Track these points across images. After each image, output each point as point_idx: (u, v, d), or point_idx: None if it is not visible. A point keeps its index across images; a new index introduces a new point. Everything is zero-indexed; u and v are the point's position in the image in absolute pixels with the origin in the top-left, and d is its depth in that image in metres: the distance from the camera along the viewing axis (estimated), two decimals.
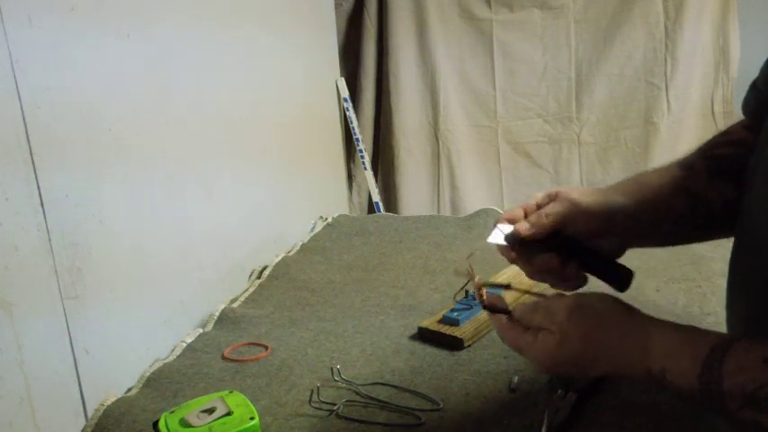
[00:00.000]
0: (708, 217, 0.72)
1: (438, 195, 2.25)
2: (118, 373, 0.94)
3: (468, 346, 0.95)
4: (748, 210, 0.66)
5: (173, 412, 0.76)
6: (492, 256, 1.29)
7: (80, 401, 0.87)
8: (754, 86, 0.72)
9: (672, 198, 0.71)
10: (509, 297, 0.74)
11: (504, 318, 0.67)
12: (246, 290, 1.22)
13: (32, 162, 0.78)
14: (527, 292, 0.75)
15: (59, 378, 0.84)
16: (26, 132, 0.77)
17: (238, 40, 1.36)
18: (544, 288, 0.80)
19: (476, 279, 0.74)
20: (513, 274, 1.16)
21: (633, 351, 0.60)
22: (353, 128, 2.11)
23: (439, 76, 2.15)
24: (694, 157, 0.74)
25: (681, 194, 0.71)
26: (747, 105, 0.73)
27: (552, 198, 0.71)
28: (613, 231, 0.71)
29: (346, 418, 0.79)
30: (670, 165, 0.74)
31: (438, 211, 2.22)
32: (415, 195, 2.24)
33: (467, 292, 1.04)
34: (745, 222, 0.67)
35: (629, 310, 0.63)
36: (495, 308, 0.68)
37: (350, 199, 2.23)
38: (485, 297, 0.71)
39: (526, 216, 0.72)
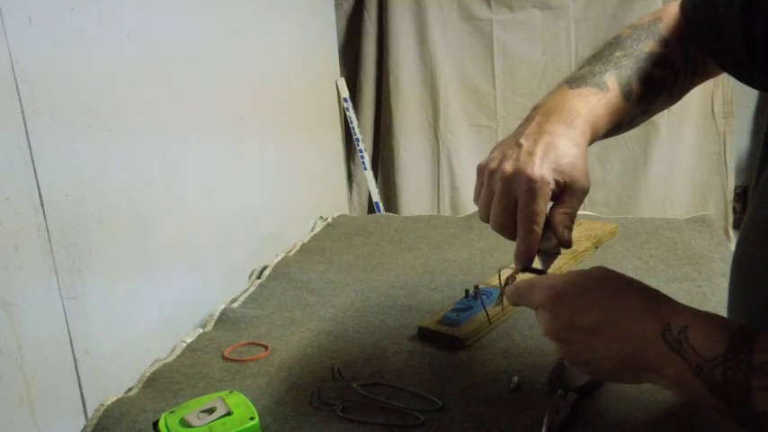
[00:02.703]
0: (623, 129, 0.76)
1: (438, 195, 2.25)
2: (118, 373, 0.94)
3: (469, 346, 0.95)
4: (754, 211, 0.66)
5: (173, 412, 0.76)
6: (491, 256, 1.30)
7: (80, 401, 0.87)
8: (711, 2, 0.70)
9: (609, 119, 0.71)
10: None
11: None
12: (246, 290, 1.22)
13: (32, 162, 0.78)
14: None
15: (59, 378, 0.84)
16: (26, 132, 0.77)
17: (238, 40, 1.36)
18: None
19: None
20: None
21: (652, 304, 0.56)
22: (353, 128, 2.12)
23: (439, 76, 2.15)
24: (632, 72, 0.72)
25: (614, 117, 0.71)
26: (696, 13, 0.72)
27: (562, 188, 0.66)
28: None
29: (346, 419, 0.79)
30: (605, 77, 0.71)
31: (438, 211, 2.22)
32: (415, 195, 2.24)
33: (467, 291, 1.05)
34: (750, 223, 0.67)
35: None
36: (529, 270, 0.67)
37: (350, 199, 2.24)
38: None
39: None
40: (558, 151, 0.65)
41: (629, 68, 0.72)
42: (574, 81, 0.72)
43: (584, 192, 0.67)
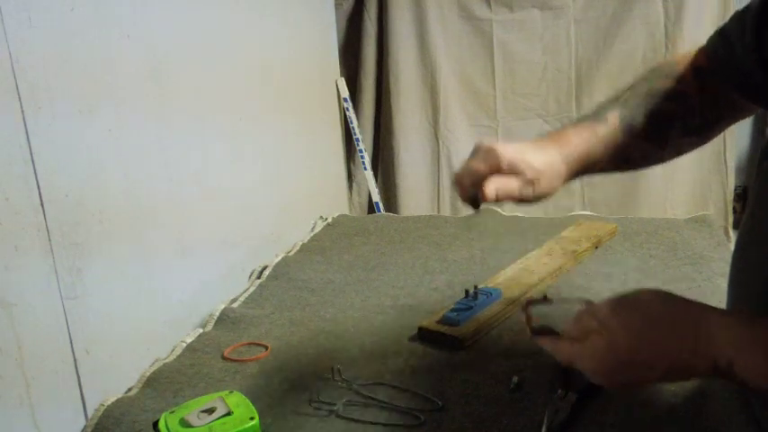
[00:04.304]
0: (643, 163, 0.81)
1: (438, 195, 2.25)
2: (118, 373, 0.94)
3: (468, 346, 0.95)
4: (754, 209, 0.66)
5: (173, 412, 0.77)
6: (491, 256, 1.30)
7: (80, 401, 0.87)
8: (725, 36, 0.73)
9: (602, 149, 0.75)
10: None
11: (553, 338, 0.66)
12: (246, 290, 1.23)
13: (32, 162, 0.78)
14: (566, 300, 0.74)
15: (59, 378, 0.84)
16: (26, 132, 0.77)
17: (238, 41, 1.36)
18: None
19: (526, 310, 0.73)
20: (512, 275, 1.17)
21: (691, 340, 0.55)
22: (353, 128, 2.11)
23: (439, 76, 2.15)
24: (637, 107, 0.75)
25: (615, 150, 0.76)
26: (716, 52, 0.74)
27: (509, 167, 0.71)
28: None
29: (346, 418, 0.79)
30: (607, 113, 0.76)
31: (438, 211, 2.22)
32: (415, 195, 2.24)
33: (467, 291, 1.05)
34: (749, 224, 0.67)
35: (674, 297, 0.59)
36: (543, 331, 0.67)
37: (350, 199, 2.23)
38: (532, 324, 0.70)
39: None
40: (534, 153, 0.72)
41: (634, 105, 0.76)
42: (579, 119, 0.78)
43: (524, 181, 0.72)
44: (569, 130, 0.77)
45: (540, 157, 0.72)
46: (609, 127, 0.75)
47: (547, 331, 0.67)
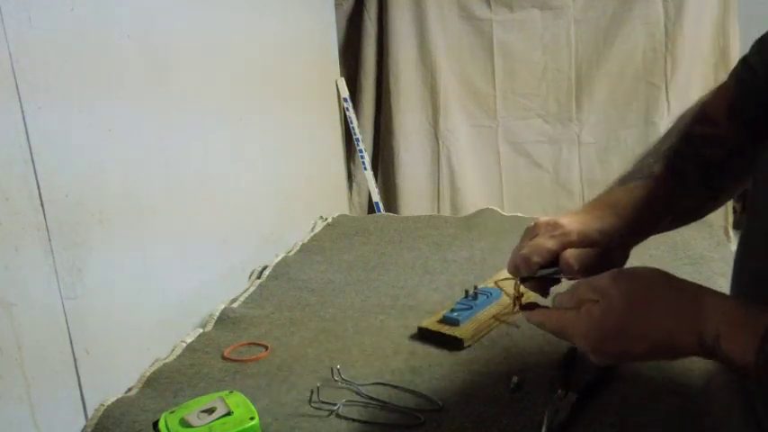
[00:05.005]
0: (696, 214, 0.77)
1: (438, 195, 2.25)
2: (118, 373, 0.94)
3: (469, 346, 0.95)
4: (756, 208, 0.66)
5: (173, 412, 0.77)
6: (491, 256, 1.30)
7: (80, 401, 0.87)
8: (747, 64, 0.72)
9: (661, 208, 0.72)
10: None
11: (543, 309, 0.66)
12: (246, 290, 1.23)
13: (32, 162, 0.78)
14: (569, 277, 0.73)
15: (59, 378, 0.84)
16: (26, 132, 0.77)
17: (238, 41, 1.36)
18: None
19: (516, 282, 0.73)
20: None
21: (685, 314, 0.56)
22: (353, 128, 2.11)
23: (439, 76, 2.15)
24: (683, 158, 0.73)
25: (670, 205, 0.73)
26: (743, 82, 0.73)
27: (565, 243, 0.69)
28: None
29: (346, 418, 0.79)
30: (654, 168, 0.73)
31: (438, 211, 2.22)
32: (415, 195, 2.24)
33: (467, 291, 1.05)
34: (751, 222, 0.67)
35: (672, 275, 0.60)
36: (532, 306, 0.68)
37: (350, 199, 2.23)
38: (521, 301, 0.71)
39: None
40: (598, 222, 0.69)
41: (679, 156, 0.73)
42: (623, 179, 0.75)
43: (600, 252, 0.69)
44: (619, 193, 0.73)
45: (605, 226, 0.69)
46: (660, 182, 0.72)
47: (535, 307, 0.68)
